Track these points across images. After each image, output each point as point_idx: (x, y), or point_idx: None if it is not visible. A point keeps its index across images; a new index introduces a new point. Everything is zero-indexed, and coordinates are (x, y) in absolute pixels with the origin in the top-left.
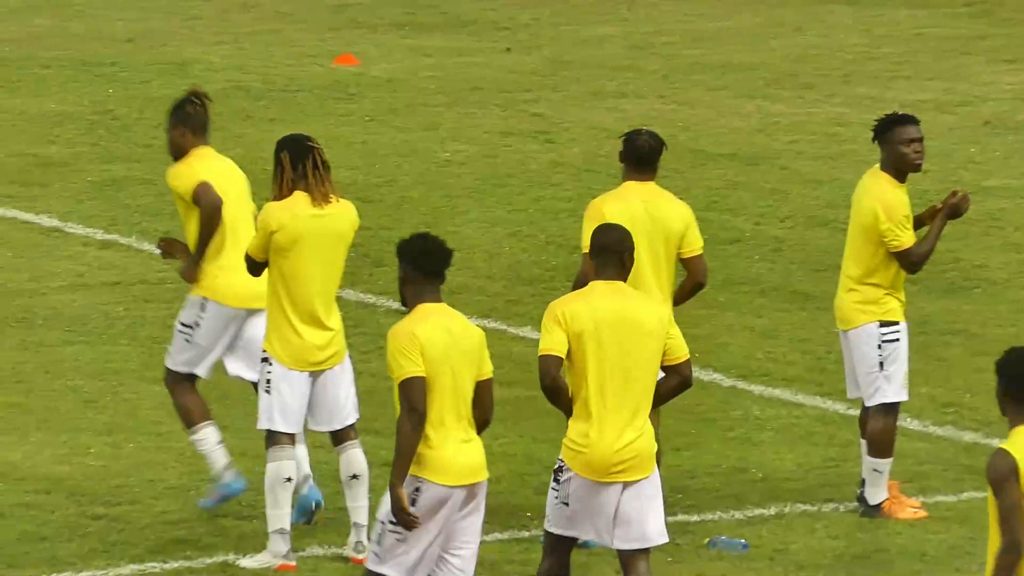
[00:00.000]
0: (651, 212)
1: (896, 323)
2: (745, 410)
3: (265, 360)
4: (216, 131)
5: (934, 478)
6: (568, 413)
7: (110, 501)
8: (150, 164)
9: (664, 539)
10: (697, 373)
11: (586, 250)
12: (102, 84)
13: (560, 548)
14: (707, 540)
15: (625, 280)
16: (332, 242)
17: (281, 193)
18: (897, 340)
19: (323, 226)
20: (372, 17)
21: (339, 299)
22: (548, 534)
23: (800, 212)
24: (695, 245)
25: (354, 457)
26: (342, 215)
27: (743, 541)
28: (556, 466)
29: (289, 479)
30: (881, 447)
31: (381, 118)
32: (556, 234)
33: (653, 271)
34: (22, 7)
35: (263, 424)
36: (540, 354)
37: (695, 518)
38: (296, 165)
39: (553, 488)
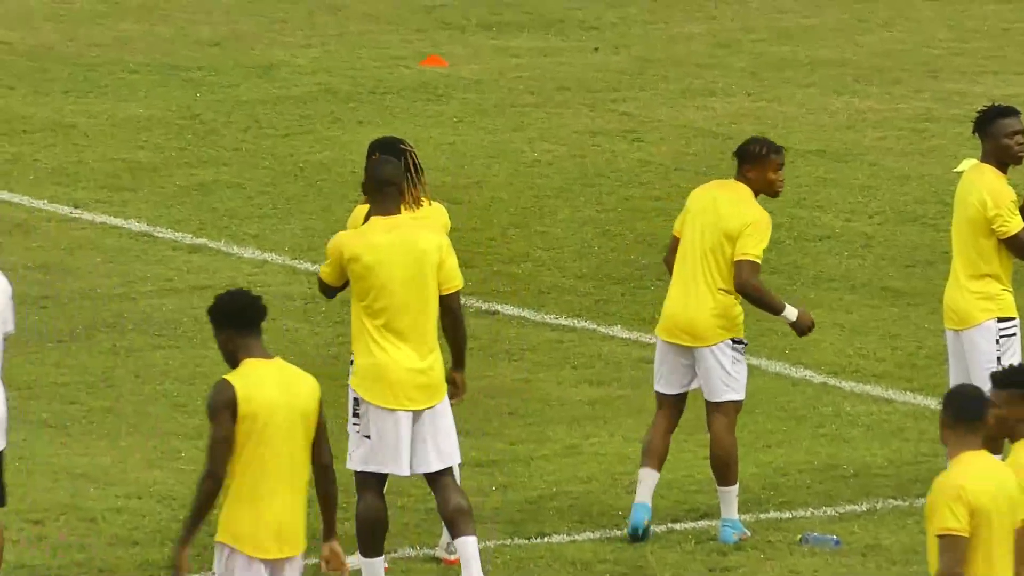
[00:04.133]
0: (711, 206)
1: (1012, 318)
2: (836, 407)
3: None
4: (305, 134)
5: None
6: None
7: None
8: (238, 168)
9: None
10: (787, 370)
11: (675, 232)
12: (190, 88)
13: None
14: (799, 536)
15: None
16: None
17: None
18: (1014, 335)
19: None
20: (460, 18)
21: None
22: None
23: (889, 208)
24: (738, 250)
25: None
26: (433, 218)
27: (835, 537)
28: (353, 398)
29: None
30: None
31: (469, 119)
32: (645, 233)
33: (695, 264)
34: (110, 12)
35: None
36: (320, 278)
37: (787, 515)
38: None
39: (354, 423)
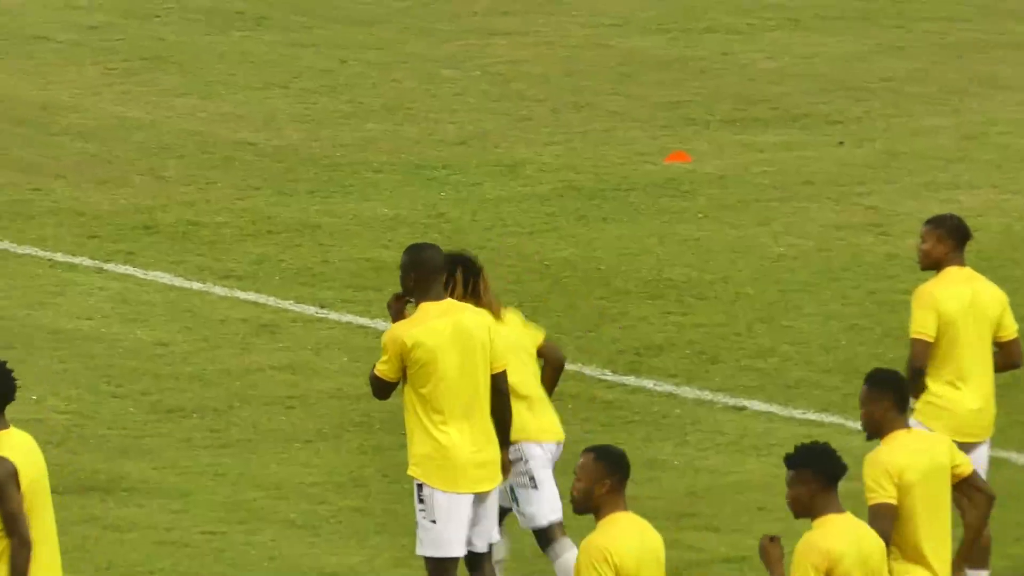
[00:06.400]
0: (977, 296)
1: None
2: None
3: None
4: (550, 232)
5: None
6: None
7: None
8: (483, 266)
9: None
10: None
11: (915, 335)
12: (434, 187)
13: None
14: None
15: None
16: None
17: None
18: None
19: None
20: (704, 114)
21: (676, 397)
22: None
23: None
24: (1011, 328)
25: None
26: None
27: None
28: (416, 484)
29: None
30: None
31: (714, 215)
32: (893, 327)
33: (983, 354)
34: (354, 112)
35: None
36: (376, 376)
37: None
38: (467, 282)
39: (420, 510)
